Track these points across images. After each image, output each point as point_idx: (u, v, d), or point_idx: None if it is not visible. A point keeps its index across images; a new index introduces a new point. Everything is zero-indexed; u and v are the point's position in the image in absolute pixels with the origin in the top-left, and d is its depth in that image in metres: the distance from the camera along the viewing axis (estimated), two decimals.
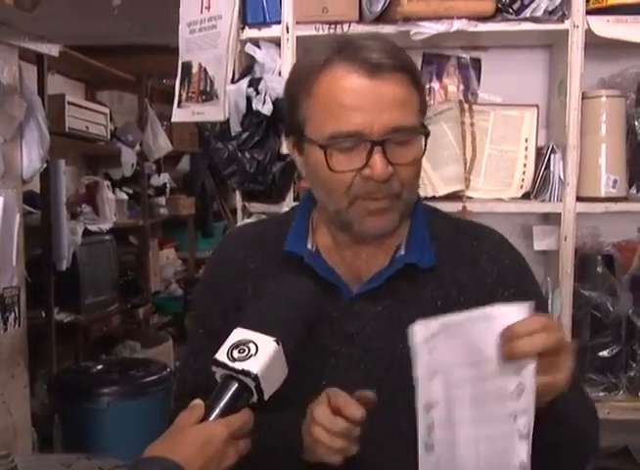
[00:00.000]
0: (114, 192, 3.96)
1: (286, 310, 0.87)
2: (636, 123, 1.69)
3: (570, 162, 1.63)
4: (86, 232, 3.43)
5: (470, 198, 1.69)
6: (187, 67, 1.71)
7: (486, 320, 0.81)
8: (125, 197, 4.14)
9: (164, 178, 4.62)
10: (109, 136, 3.80)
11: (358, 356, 1.01)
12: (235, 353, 0.81)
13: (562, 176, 1.64)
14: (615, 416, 1.59)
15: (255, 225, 1.26)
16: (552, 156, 1.67)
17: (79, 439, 2.64)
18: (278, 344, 0.82)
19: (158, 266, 4.30)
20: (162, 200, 4.57)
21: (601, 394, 1.64)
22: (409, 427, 0.96)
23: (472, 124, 1.76)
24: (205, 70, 1.67)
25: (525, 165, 1.72)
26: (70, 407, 2.71)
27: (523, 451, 0.79)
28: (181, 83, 1.74)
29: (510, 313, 0.80)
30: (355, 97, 0.93)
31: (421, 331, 0.85)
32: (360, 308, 1.02)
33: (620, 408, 1.61)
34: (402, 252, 1.03)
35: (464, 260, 1.04)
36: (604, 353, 1.63)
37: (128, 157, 3.99)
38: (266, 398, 0.82)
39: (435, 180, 1.70)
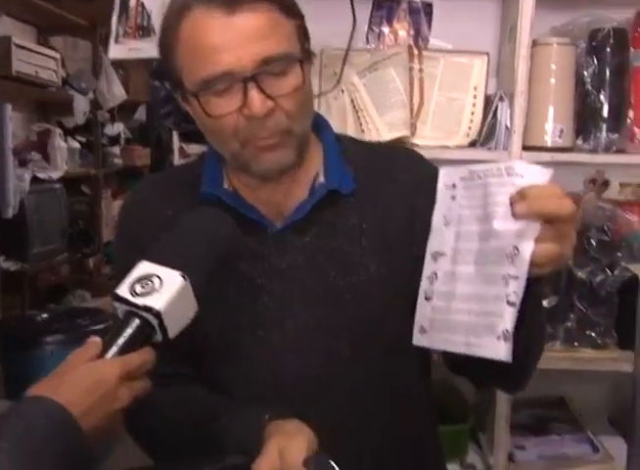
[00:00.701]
0: (66, 140, 3.85)
1: (195, 243, 0.82)
2: (585, 73, 1.66)
3: (517, 109, 1.60)
4: (36, 180, 3.33)
5: (415, 145, 1.65)
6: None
7: (508, 174, 0.79)
8: (78, 146, 4.03)
9: (119, 128, 4.52)
10: (60, 82, 3.68)
11: (292, 291, 0.99)
12: (137, 288, 0.76)
13: (508, 124, 1.61)
14: (551, 366, 1.58)
15: (168, 173, 1.23)
16: (500, 104, 1.64)
17: (23, 387, 2.59)
18: (185, 278, 0.78)
19: (110, 216, 4.22)
20: (117, 149, 4.48)
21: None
22: (351, 356, 0.99)
23: (420, 70, 1.72)
24: (142, 4, 1.59)
25: (472, 113, 1.69)
26: (14, 356, 2.66)
27: (508, 319, 0.76)
28: (119, 18, 1.66)
29: (532, 172, 0.78)
30: (218, 36, 0.88)
31: (445, 177, 0.86)
32: (288, 242, 1.00)
33: (557, 359, 1.61)
34: (322, 180, 1.01)
35: (382, 179, 1.04)
36: (543, 304, 1.61)
37: (81, 104, 3.87)
38: (171, 336, 0.78)
39: (380, 125, 1.66)
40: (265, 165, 0.94)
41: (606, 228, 1.60)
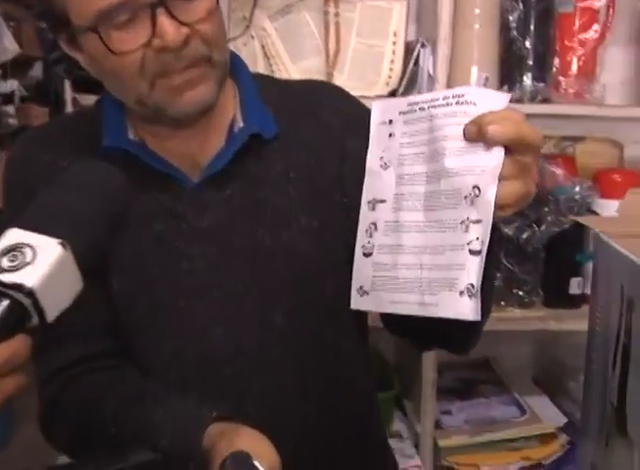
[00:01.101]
0: None
1: (77, 203, 0.66)
2: (510, 18, 1.57)
3: (440, 56, 1.49)
4: None
5: None
6: None
7: (457, 103, 0.67)
8: None
9: (12, 85, 4.20)
10: None
11: (215, 253, 0.87)
12: (4, 262, 0.61)
13: (431, 72, 1.51)
14: None
15: (58, 122, 1.06)
16: (421, 51, 1.53)
17: None
18: (64, 247, 0.62)
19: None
20: (11, 109, 4.17)
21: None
22: (285, 325, 0.87)
23: (336, 14, 1.59)
24: None
25: (392, 61, 1.58)
26: None
27: (473, 271, 0.65)
28: None
29: (486, 98, 0.66)
30: None
31: (379, 112, 0.74)
32: (207, 198, 0.87)
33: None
34: (240, 124, 0.88)
35: (305, 120, 0.91)
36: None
37: None
38: (50, 319, 0.63)
39: (294, 73, 1.53)
40: (184, 106, 0.80)
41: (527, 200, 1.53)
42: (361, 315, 0.87)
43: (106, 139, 0.86)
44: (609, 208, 1.56)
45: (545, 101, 1.56)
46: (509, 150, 0.65)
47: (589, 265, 1.59)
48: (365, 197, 0.75)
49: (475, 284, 0.64)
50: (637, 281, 0.60)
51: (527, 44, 1.55)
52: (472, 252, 0.65)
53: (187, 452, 0.74)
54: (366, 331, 0.97)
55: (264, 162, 0.89)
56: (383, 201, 0.74)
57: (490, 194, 0.65)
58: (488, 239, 0.65)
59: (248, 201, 0.87)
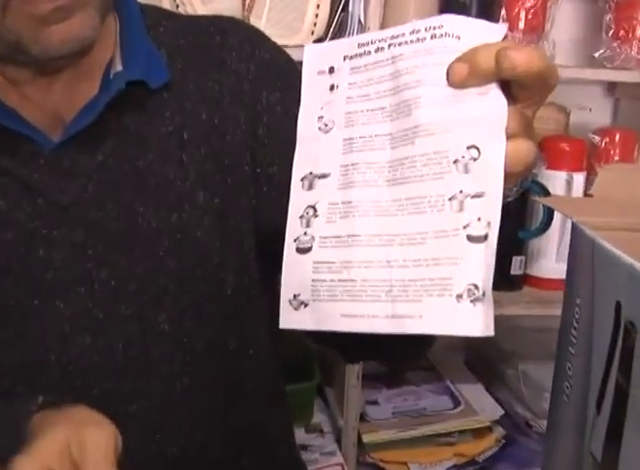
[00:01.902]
0: None
1: None
2: None
3: (372, 1, 1.30)
4: None
5: None
6: None
7: (433, 37, 0.47)
8: None
9: None
10: None
11: (81, 238, 0.66)
12: None
13: (362, 19, 1.32)
14: None
15: None
16: None
17: None
18: None
19: None
20: None
21: None
22: (173, 331, 0.69)
23: None
24: None
25: (318, 6, 1.37)
26: None
27: (475, 267, 0.45)
28: None
29: (474, 29, 0.47)
30: None
31: (315, 58, 0.54)
32: (71, 164, 0.66)
33: None
34: (119, 68, 0.67)
35: (208, 67, 0.72)
36: None
37: None
38: None
39: None
40: (53, 44, 0.59)
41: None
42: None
43: None
44: (556, 179, 1.42)
45: None
46: (511, 97, 0.47)
47: (531, 243, 1.45)
48: (297, 173, 0.53)
49: (480, 284, 0.45)
50: None
51: None
52: (472, 238, 0.45)
53: (13, 450, 0.54)
54: (277, 336, 0.78)
55: (149, 118, 0.68)
56: (324, 175, 0.52)
57: (498, 153, 0.45)
58: (499, 220, 0.46)
59: (126, 168, 0.67)
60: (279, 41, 1.36)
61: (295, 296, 0.51)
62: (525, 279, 1.46)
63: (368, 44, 0.51)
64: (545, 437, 0.60)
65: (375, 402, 1.50)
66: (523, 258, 1.44)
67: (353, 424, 1.42)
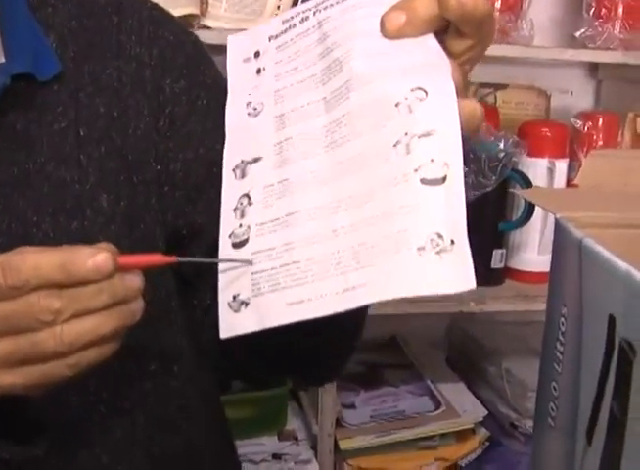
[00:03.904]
0: None
1: None
2: None
3: None
4: None
5: (206, 27, 1.24)
6: None
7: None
8: None
9: None
10: None
11: None
12: None
13: None
14: (381, 311, 1.27)
15: None
16: None
17: None
18: None
19: None
20: None
21: None
22: None
23: None
24: None
25: None
26: None
27: (436, 213, 0.39)
28: None
29: None
30: None
31: (238, 47, 0.52)
32: None
33: (390, 300, 1.29)
34: (1, 59, 0.59)
35: (104, 53, 0.63)
36: None
37: None
38: None
39: None
40: None
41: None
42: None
43: None
44: (537, 167, 1.34)
45: None
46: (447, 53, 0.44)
47: (512, 235, 1.38)
48: (228, 164, 0.49)
49: (445, 232, 0.39)
50: None
51: None
52: (426, 181, 0.40)
53: None
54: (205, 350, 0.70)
55: (40, 113, 0.59)
56: (257, 159, 0.48)
57: (448, 92, 0.41)
58: (461, 159, 0.40)
59: (14, 173, 0.58)
60: (241, 26, 1.29)
61: (234, 296, 0.45)
62: (507, 273, 1.39)
63: (292, 18, 0.49)
64: (531, 464, 0.53)
65: (352, 406, 1.43)
66: (503, 250, 1.36)
67: (329, 430, 1.34)
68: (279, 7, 1.29)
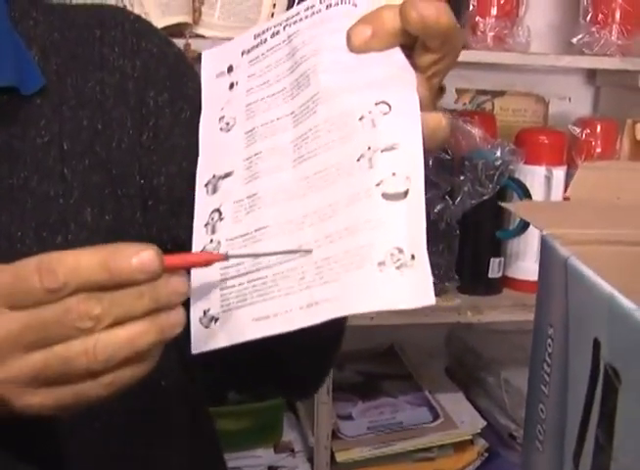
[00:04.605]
0: None
1: None
2: None
3: None
4: None
5: (200, 36, 1.23)
6: None
7: (329, 6, 0.46)
8: None
9: None
10: None
11: None
12: None
13: None
14: (378, 321, 1.25)
15: None
16: None
17: None
18: None
19: None
20: None
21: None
22: None
23: None
24: None
25: None
26: None
27: (396, 227, 0.39)
28: None
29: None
30: None
31: (212, 62, 0.52)
32: None
33: (388, 311, 1.27)
34: None
35: (87, 65, 0.62)
36: None
37: None
38: None
39: (151, 7, 1.21)
40: None
41: (445, 145, 1.26)
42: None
43: None
44: (535, 175, 1.33)
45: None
46: (415, 67, 0.44)
47: (510, 243, 1.36)
48: (200, 179, 0.49)
49: (405, 247, 0.38)
50: (626, 341, 0.34)
51: None
52: (388, 196, 0.39)
53: None
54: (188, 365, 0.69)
55: (23, 128, 0.59)
56: (228, 174, 0.48)
57: (412, 105, 0.41)
58: (422, 173, 0.39)
59: None
60: (234, 33, 1.27)
61: (204, 312, 0.45)
62: (505, 282, 1.37)
63: (264, 32, 0.49)
64: None
65: (349, 417, 1.41)
66: (501, 259, 1.35)
67: (325, 443, 1.32)
68: (272, 14, 1.28)
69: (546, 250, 0.46)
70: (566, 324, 0.42)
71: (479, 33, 1.32)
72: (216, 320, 0.44)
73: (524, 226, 1.29)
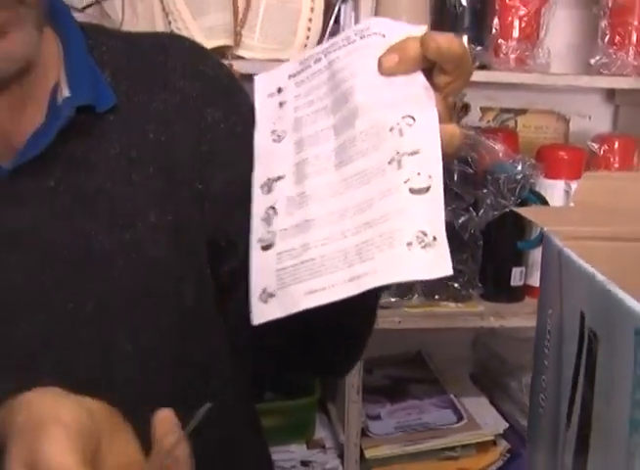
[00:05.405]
0: None
1: None
2: None
3: (363, 13, 1.30)
4: None
5: (240, 57, 1.33)
6: None
7: (362, 37, 0.55)
8: None
9: None
10: None
11: (36, 263, 0.65)
12: None
13: None
14: (408, 325, 1.33)
15: None
16: (342, 6, 1.34)
17: None
18: None
19: None
20: None
21: (392, 299, 1.37)
22: (132, 350, 0.67)
23: None
24: None
25: (310, 20, 1.36)
26: None
27: (421, 215, 0.48)
28: None
29: (398, 29, 0.55)
30: None
31: (264, 84, 0.61)
32: (24, 189, 0.65)
33: (415, 316, 1.35)
34: (67, 93, 0.66)
35: (152, 87, 0.71)
36: None
37: None
38: None
39: (196, 31, 1.30)
40: None
41: (469, 159, 1.34)
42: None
43: None
44: (554, 188, 1.40)
45: (483, 67, 1.37)
46: (434, 86, 0.53)
47: (532, 253, 1.43)
48: (257, 181, 0.58)
49: (428, 230, 0.47)
50: (604, 309, 0.42)
51: (463, 1, 1.36)
52: (413, 190, 0.49)
53: None
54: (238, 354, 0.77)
55: (98, 141, 0.68)
56: (280, 177, 0.57)
57: (432, 118, 0.51)
58: (441, 171, 0.49)
59: (76, 193, 0.66)
60: (272, 55, 1.37)
61: (263, 290, 0.54)
62: (526, 290, 1.44)
63: (308, 59, 0.58)
64: (528, 450, 0.59)
65: (377, 417, 1.49)
66: (523, 269, 1.42)
67: (355, 440, 1.40)
68: (308, 37, 1.37)
69: (546, 243, 0.55)
70: (560, 303, 0.50)
71: (501, 55, 1.40)
72: (273, 296, 0.52)
73: (543, 237, 1.36)
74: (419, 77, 0.53)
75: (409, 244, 0.47)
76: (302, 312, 0.51)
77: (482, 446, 1.44)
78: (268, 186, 0.56)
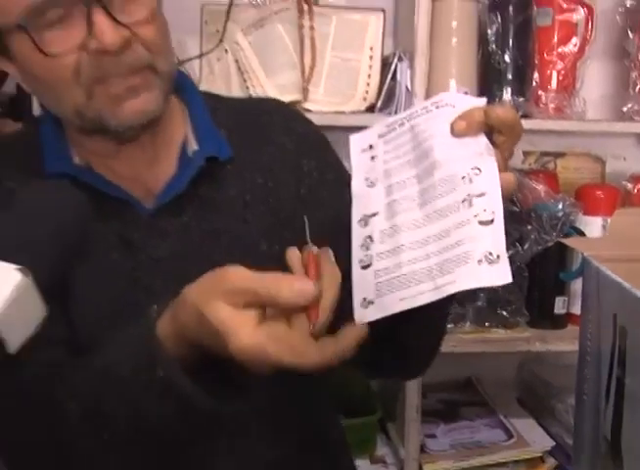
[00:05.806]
0: None
1: (36, 226, 0.61)
2: (489, 31, 1.54)
3: (417, 71, 1.45)
4: None
5: (308, 110, 1.49)
6: None
7: (437, 107, 0.71)
8: None
9: None
10: None
11: (175, 285, 0.78)
12: None
13: (409, 87, 1.47)
14: (461, 349, 1.47)
15: None
16: (399, 64, 1.49)
17: None
18: (26, 275, 0.57)
19: None
20: None
21: (448, 326, 1.51)
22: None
23: (311, 28, 1.55)
24: None
25: (369, 76, 1.53)
26: None
27: (487, 241, 0.63)
28: None
29: (464, 101, 0.71)
30: None
31: (358, 143, 0.76)
32: (164, 226, 0.82)
33: (467, 341, 1.49)
34: (195, 147, 0.83)
35: (258, 141, 0.88)
36: None
37: None
38: (12, 350, 0.57)
39: (269, 88, 1.48)
40: (126, 116, 0.75)
41: (515, 199, 1.49)
42: None
43: (49, 165, 0.80)
44: (593, 224, 1.53)
45: (525, 116, 1.52)
46: (492, 144, 0.68)
47: (573, 284, 1.56)
48: (355, 217, 0.74)
49: (494, 251, 0.63)
50: (629, 309, 0.56)
51: (507, 58, 1.52)
52: (481, 222, 0.64)
53: (151, 363, 0.68)
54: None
55: (219, 185, 0.84)
56: (375, 214, 0.72)
57: (493, 169, 0.66)
58: (501, 208, 0.64)
59: (204, 227, 0.83)
60: (335, 107, 1.55)
61: (364, 299, 0.70)
62: (569, 318, 1.56)
63: (393, 123, 0.74)
64: (574, 428, 0.73)
65: (433, 436, 1.61)
66: (565, 298, 1.55)
67: (414, 455, 1.53)
68: (367, 92, 1.54)
69: (586, 265, 0.69)
70: (598, 311, 0.64)
71: (541, 105, 1.56)
72: (372, 303, 0.68)
73: (583, 268, 1.49)
74: (482, 138, 0.68)
75: (479, 261, 0.63)
76: (396, 317, 0.66)
77: (531, 463, 1.55)
78: (365, 221, 0.72)
